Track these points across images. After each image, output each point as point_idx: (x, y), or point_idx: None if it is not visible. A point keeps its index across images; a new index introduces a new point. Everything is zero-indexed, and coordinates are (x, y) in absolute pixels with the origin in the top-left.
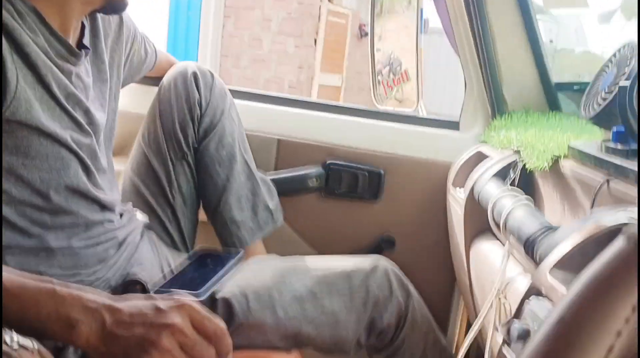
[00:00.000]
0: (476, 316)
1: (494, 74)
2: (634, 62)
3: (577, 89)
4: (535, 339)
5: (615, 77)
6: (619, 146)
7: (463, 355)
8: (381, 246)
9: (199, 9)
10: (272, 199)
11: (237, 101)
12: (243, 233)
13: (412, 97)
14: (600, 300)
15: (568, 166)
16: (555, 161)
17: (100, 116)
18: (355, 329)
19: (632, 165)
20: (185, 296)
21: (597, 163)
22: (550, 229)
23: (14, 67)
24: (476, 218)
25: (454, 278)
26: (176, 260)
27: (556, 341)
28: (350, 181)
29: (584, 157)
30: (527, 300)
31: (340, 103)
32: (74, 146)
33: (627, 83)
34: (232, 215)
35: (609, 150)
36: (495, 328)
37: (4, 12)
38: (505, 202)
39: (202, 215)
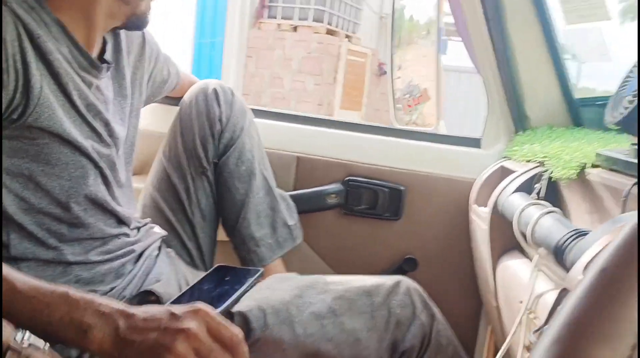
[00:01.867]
0: (504, 339)
1: (516, 90)
2: None
3: (600, 104)
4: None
5: None
6: None
7: None
8: (403, 267)
9: (221, 50)
10: (291, 217)
11: (257, 119)
12: (262, 250)
13: (432, 117)
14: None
15: (595, 173)
16: (582, 170)
17: (120, 130)
18: (377, 349)
19: None
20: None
21: (626, 167)
22: (580, 234)
23: (38, 74)
24: (501, 235)
25: (479, 300)
26: (194, 278)
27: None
28: (370, 198)
29: (612, 163)
30: (559, 306)
31: (359, 121)
32: (95, 156)
33: None
34: (250, 231)
35: (635, 154)
36: (525, 348)
37: (31, 20)
38: (531, 211)
39: (221, 235)
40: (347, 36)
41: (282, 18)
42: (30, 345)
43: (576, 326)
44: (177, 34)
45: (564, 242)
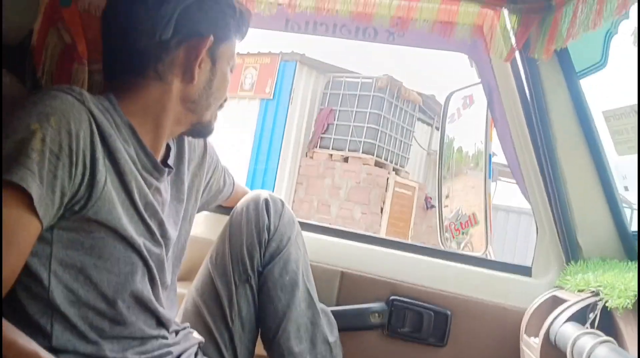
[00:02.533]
0: None
1: (567, 219)
2: None
3: None
4: None
5: None
6: None
7: None
8: None
9: (274, 176)
10: (332, 333)
11: (304, 232)
12: None
13: (481, 243)
14: None
15: None
16: (638, 300)
17: (172, 232)
18: None
19: None
20: None
21: None
22: None
23: (104, 170)
24: None
25: None
26: None
27: None
28: (414, 321)
29: None
30: None
31: (406, 241)
32: (145, 253)
33: None
34: (289, 345)
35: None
36: None
37: (104, 120)
38: (586, 341)
39: (258, 349)
40: (395, 169)
41: (333, 148)
42: None
43: None
44: (233, 158)
45: None
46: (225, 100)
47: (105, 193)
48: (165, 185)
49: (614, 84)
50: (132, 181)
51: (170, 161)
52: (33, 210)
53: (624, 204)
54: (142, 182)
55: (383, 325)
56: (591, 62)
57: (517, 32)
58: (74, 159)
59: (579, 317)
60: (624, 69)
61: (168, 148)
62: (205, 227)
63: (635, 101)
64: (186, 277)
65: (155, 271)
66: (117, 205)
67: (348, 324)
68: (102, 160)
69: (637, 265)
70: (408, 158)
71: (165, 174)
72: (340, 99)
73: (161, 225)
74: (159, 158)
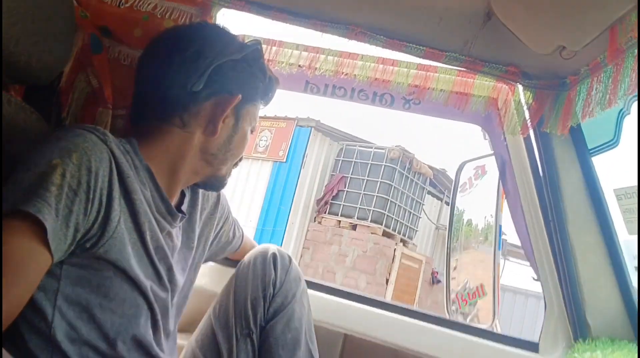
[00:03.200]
0: None
1: (576, 296)
2: None
3: None
4: None
5: None
6: None
7: None
8: None
9: (281, 238)
10: None
11: (309, 291)
12: None
13: (487, 315)
14: None
15: None
16: None
17: (179, 278)
18: None
19: None
20: None
21: None
22: None
23: (119, 209)
24: None
25: None
26: None
27: None
28: None
29: None
30: None
31: (413, 307)
32: (151, 297)
33: None
34: None
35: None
36: None
37: (124, 161)
38: None
39: None
40: (402, 240)
41: (342, 215)
42: None
43: None
44: (244, 216)
45: None
46: (240, 159)
47: (117, 232)
48: (177, 231)
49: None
50: (146, 223)
51: (184, 208)
52: (46, 243)
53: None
54: (155, 225)
55: None
56: (604, 141)
57: (531, 107)
58: (91, 196)
59: None
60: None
61: (182, 195)
62: (210, 279)
63: None
64: (187, 328)
65: (159, 316)
66: (128, 245)
67: None
68: (118, 199)
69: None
70: (416, 231)
71: (179, 220)
72: (352, 167)
73: (170, 269)
74: (173, 203)
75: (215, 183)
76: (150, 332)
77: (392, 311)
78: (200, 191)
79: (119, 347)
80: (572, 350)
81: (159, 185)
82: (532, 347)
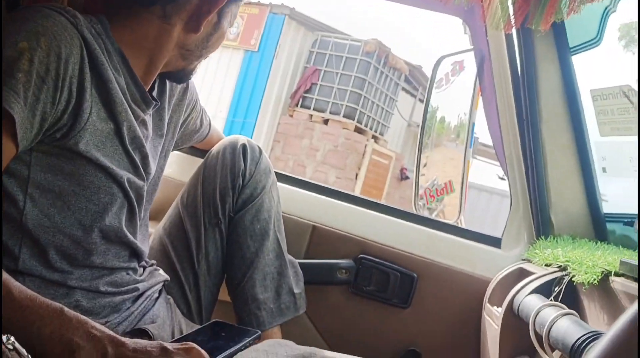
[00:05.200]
0: None
1: (542, 195)
2: None
3: (627, 222)
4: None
5: None
6: None
7: None
8: None
9: (251, 130)
10: (297, 285)
11: (279, 183)
12: (262, 314)
13: (454, 211)
14: None
15: (618, 281)
16: (605, 277)
17: (153, 166)
18: None
19: None
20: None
21: None
22: (599, 336)
23: (90, 100)
24: (513, 337)
25: None
26: (189, 329)
27: None
28: (380, 280)
29: (636, 272)
30: None
31: (380, 201)
32: (126, 186)
33: None
34: (254, 292)
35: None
36: None
37: (97, 47)
38: (549, 313)
39: (222, 294)
40: (374, 136)
41: (314, 109)
42: (14, 349)
43: None
44: (213, 107)
45: (582, 343)
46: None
47: (89, 124)
48: (148, 119)
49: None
50: (122, 113)
51: (154, 95)
52: (13, 133)
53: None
54: (131, 114)
55: (349, 281)
56: (586, 39)
57: (517, 1)
58: (60, 84)
59: (544, 290)
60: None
61: (153, 81)
62: (178, 168)
63: (624, 83)
64: (154, 217)
65: (135, 203)
66: (102, 137)
67: (315, 278)
68: (90, 89)
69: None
70: (388, 127)
71: (152, 107)
72: (326, 60)
73: (145, 158)
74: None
75: (182, 76)
76: (125, 219)
77: (360, 205)
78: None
79: (95, 234)
80: (534, 246)
81: (133, 71)
82: (495, 242)
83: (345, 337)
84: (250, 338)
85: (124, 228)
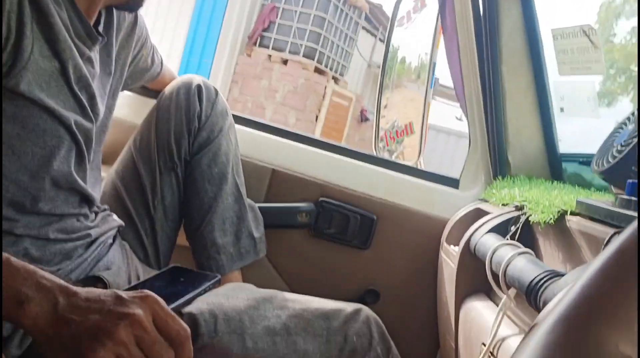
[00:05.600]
0: None
1: (500, 135)
2: None
3: (582, 162)
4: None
5: (632, 131)
6: (634, 199)
7: None
8: (365, 298)
9: (208, 71)
10: (257, 229)
11: (237, 126)
12: (222, 258)
13: (414, 153)
14: None
15: (574, 221)
16: (561, 216)
17: (101, 107)
18: None
19: None
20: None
21: (608, 215)
22: (555, 275)
23: (31, 37)
24: (469, 275)
25: (437, 341)
26: (146, 274)
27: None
28: (340, 223)
29: (593, 211)
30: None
31: (341, 144)
32: (74, 128)
33: None
34: (213, 237)
35: (622, 203)
36: None
37: None
38: (505, 251)
39: (180, 239)
40: (334, 78)
41: (273, 49)
42: None
43: (587, 306)
44: (167, 47)
45: (539, 282)
46: None
47: (31, 64)
48: (95, 55)
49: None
50: (67, 51)
51: (100, 29)
52: None
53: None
54: (76, 51)
55: (309, 225)
56: None
57: None
58: None
59: (500, 229)
60: None
61: (99, 15)
62: (130, 109)
63: (584, 22)
64: (106, 161)
65: (83, 147)
66: (46, 76)
67: (275, 221)
68: (30, 25)
69: (561, 184)
70: (348, 68)
71: (98, 43)
72: None
73: (92, 98)
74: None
75: (133, 4)
76: (74, 163)
77: (320, 147)
78: (115, 11)
79: (42, 178)
80: (491, 186)
81: (75, 4)
82: (453, 183)
83: (306, 279)
84: (210, 283)
85: (74, 173)
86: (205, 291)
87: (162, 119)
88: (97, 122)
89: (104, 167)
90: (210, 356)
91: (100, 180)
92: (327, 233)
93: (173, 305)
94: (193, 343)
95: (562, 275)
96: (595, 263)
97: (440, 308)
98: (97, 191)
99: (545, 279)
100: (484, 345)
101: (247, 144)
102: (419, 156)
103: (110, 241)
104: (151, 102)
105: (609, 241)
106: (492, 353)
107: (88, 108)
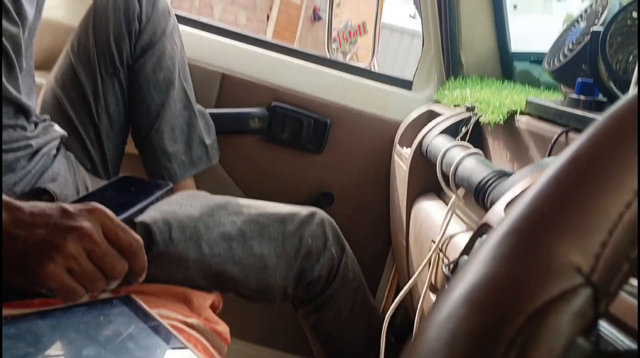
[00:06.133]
0: (409, 278)
1: (453, 34)
2: (607, 13)
3: (533, 60)
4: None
5: (585, 29)
6: (582, 98)
7: (390, 316)
8: (319, 201)
9: None
10: (209, 136)
11: (182, 27)
12: (174, 166)
13: (367, 55)
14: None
15: (524, 120)
16: (511, 116)
17: (28, 10)
18: (284, 277)
19: (595, 116)
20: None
21: (556, 115)
22: (503, 175)
23: None
24: (420, 176)
25: (389, 242)
26: (95, 185)
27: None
28: (294, 128)
29: (542, 110)
30: (479, 238)
31: (293, 46)
32: None
33: (601, 28)
34: (163, 145)
35: (571, 102)
36: (431, 288)
37: None
38: (456, 152)
39: (129, 147)
40: None
41: None
42: None
43: (538, 216)
44: None
45: (487, 182)
46: None
47: None
48: None
49: None
50: None
51: None
52: None
53: None
54: None
55: (262, 130)
56: None
57: None
58: None
59: (452, 131)
60: None
61: None
62: (66, 11)
63: None
64: (43, 66)
65: (12, 54)
66: None
67: (227, 127)
68: None
69: (512, 84)
70: None
71: None
72: None
73: (16, 1)
74: None
75: None
76: (5, 73)
77: (272, 50)
78: None
79: None
80: (443, 87)
81: None
82: (407, 84)
83: (261, 184)
84: (162, 191)
85: (5, 82)
86: (157, 200)
87: (99, 21)
88: (25, 27)
89: (42, 73)
90: (166, 263)
91: (35, 88)
92: (280, 138)
93: (124, 215)
94: (147, 252)
95: (509, 175)
96: (546, 172)
97: (392, 209)
98: (32, 100)
99: (493, 179)
100: (434, 242)
101: (194, 48)
102: (372, 57)
103: (54, 152)
104: (88, 2)
105: (556, 140)
106: (441, 250)
107: (12, 11)
